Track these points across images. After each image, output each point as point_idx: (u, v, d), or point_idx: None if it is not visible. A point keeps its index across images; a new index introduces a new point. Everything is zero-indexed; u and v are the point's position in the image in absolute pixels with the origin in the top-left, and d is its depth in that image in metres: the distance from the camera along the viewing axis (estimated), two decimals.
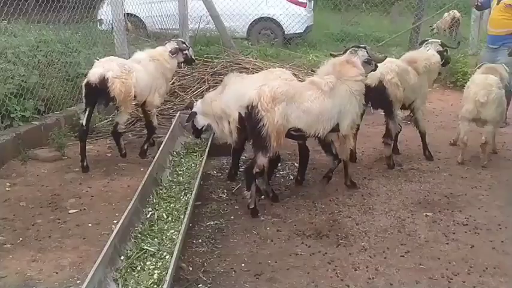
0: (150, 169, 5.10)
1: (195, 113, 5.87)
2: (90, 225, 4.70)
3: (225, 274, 3.96)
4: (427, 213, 5.01)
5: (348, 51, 5.30)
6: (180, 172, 5.68)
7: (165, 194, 5.10)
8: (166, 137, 6.03)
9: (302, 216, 4.94)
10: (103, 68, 5.71)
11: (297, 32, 13.59)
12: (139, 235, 4.23)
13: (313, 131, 4.93)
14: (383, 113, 6.24)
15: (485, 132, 6.07)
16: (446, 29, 14.40)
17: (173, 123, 6.43)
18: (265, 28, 13.66)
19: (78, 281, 3.81)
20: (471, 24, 12.02)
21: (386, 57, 5.64)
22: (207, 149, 5.97)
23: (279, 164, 5.73)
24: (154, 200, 4.91)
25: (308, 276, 3.95)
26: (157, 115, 6.93)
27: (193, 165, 5.87)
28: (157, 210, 4.73)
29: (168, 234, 4.31)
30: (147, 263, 3.87)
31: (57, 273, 3.94)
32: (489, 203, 5.27)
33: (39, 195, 5.30)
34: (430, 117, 7.98)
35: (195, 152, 6.19)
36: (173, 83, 7.81)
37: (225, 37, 10.85)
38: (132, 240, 4.14)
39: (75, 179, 5.69)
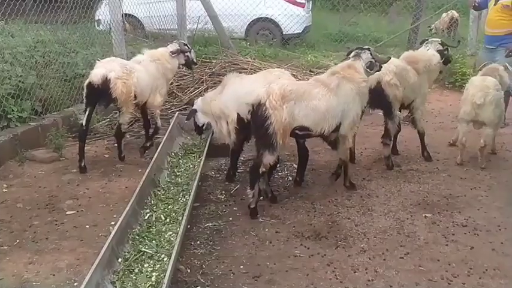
0: (148, 170, 5.07)
1: (195, 111, 5.85)
2: (87, 226, 4.67)
3: (223, 276, 3.94)
4: (427, 215, 4.99)
5: (352, 53, 5.29)
6: (178, 173, 5.66)
7: (163, 195, 5.07)
8: (164, 138, 6.01)
9: (301, 217, 4.91)
10: (105, 68, 5.70)
11: (295, 32, 13.57)
12: (137, 237, 4.19)
13: (320, 129, 4.92)
14: (381, 114, 6.21)
15: (484, 134, 6.05)
16: (444, 30, 14.41)
17: (171, 124, 6.40)
18: (263, 28, 13.65)
19: (75, 284, 3.79)
20: (469, 24, 12.01)
21: (390, 58, 5.63)
22: (205, 150, 5.95)
23: (278, 165, 5.70)
24: (152, 202, 4.88)
25: (307, 278, 3.93)
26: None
27: (191, 166, 5.84)
28: (155, 211, 4.71)
29: (166, 236, 4.28)
30: (145, 265, 3.84)
31: (54, 275, 3.91)
32: (488, 204, 5.25)
33: (36, 196, 5.28)
34: (429, 118, 7.97)
35: (193, 153, 6.17)
36: (171, 83, 7.78)
37: (223, 37, 10.83)
38: (130, 242, 4.11)
39: (72, 180, 5.67)
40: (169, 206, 4.84)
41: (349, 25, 16.50)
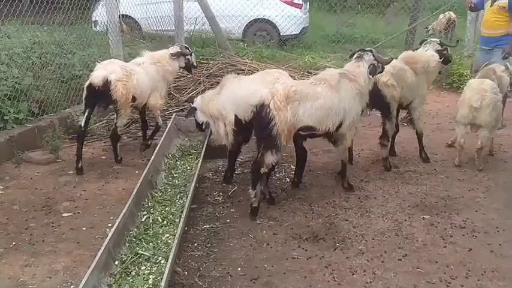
0: (145, 172, 5.06)
1: (195, 109, 5.84)
2: (84, 229, 4.65)
3: (221, 278, 3.92)
4: (424, 216, 4.98)
5: (355, 55, 5.30)
6: (175, 175, 5.64)
7: (160, 197, 5.06)
8: (161, 139, 6.00)
9: (299, 219, 4.90)
10: (105, 70, 5.71)
11: (292, 33, 13.56)
12: (134, 239, 4.18)
13: (324, 127, 4.92)
14: (379, 115, 6.20)
15: (481, 136, 6.05)
16: (441, 31, 14.38)
17: (168, 125, 6.39)
18: (260, 29, 13.62)
19: (71, 286, 3.76)
20: (467, 25, 12.03)
21: (392, 59, 5.64)
22: (203, 152, 5.93)
23: (275, 167, 5.68)
24: (150, 204, 4.87)
25: (305, 280, 3.91)
26: (152, 117, 6.92)
27: (188, 167, 5.83)
28: (152, 213, 4.69)
29: (163, 238, 4.26)
30: (142, 268, 3.82)
31: (50, 278, 3.89)
32: (486, 206, 5.24)
33: (33, 198, 5.25)
34: (427, 119, 7.96)
35: (191, 155, 6.16)
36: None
37: (221, 38, 10.82)
38: (127, 244, 4.10)
39: (69, 182, 5.64)
40: (167, 208, 4.83)
41: (347, 26, 16.49)
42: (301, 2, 13.98)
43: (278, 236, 4.57)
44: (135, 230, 4.34)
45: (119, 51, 8.29)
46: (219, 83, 6.06)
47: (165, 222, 4.56)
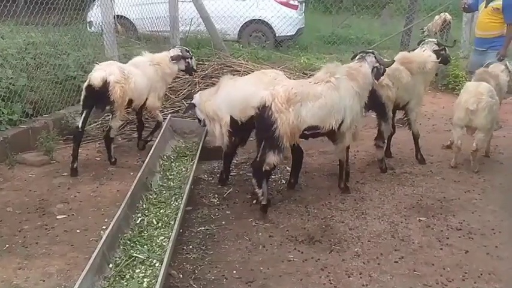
0: (139, 174, 5.03)
1: (194, 105, 5.84)
2: (78, 231, 4.61)
3: (216, 281, 3.90)
4: (421, 218, 4.96)
5: (357, 57, 5.30)
6: (170, 177, 5.60)
7: (155, 199, 5.02)
8: (156, 141, 5.97)
9: (294, 221, 4.87)
10: (104, 71, 5.73)
11: (288, 34, 13.54)
12: (128, 242, 4.14)
13: (328, 125, 4.93)
14: (375, 116, 6.18)
15: (476, 139, 6.05)
16: (437, 32, 14.39)
17: (163, 127, 6.36)
18: (256, 30, 13.61)
19: None
20: (462, 27, 12.03)
21: (394, 61, 5.65)
22: (198, 153, 5.90)
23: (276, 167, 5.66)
24: (144, 206, 4.83)
25: (301, 283, 3.89)
26: (147, 118, 6.97)
27: (183, 169, 5.79)
28: (147, 216, 4.66)
29: (158, 241, 4.22)
30: (137, 271, 3.79)
31: (44, 281, 3.85)
32: (483, 207, 5.23)
33: (27, 200, 5.21)
34: (422, 121, 7.93)
35: (186, 156, 6.12)
36: None
37: (216, 39, 10.79)
38: (121, 247, 4.06)
39: (63, 184, 5.60)
40: (161, 210, 4.79)
41: (342, 27, 16.50)
42: (296, 3, 13.96)
43: (274, 238, 4.54)
44: (130, 232, 4.30)
45: (114, 52, 8.28)
46: (214, 84, 6.04)
47: (159, 224, 4.52)
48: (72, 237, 4.50)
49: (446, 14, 14.44)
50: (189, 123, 6.75)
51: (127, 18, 11.79)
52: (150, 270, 3.79)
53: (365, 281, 3.92)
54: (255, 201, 5.15)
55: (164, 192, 5.20)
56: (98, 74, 5.71)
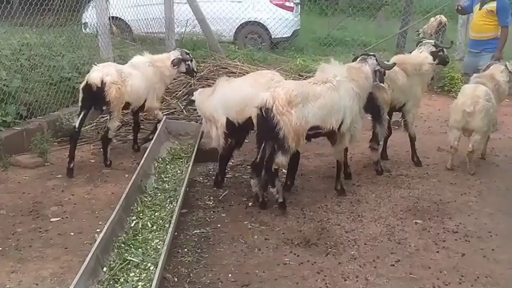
0: (134, 176, 5.00)
1: (194, 101, 5.85)
2: (72, 234, 4.57)
3: (211, 285, 3.86)
4: (417, 221, 4.94)
5: (358, 59, 5.30)
6: (165, 179, 5.56)
7: (149, 201, 4.98)
8: (151, 143, 5.94)
9: (290, 224, 4.84)
10: (102, 72, 5.76)
11: (284, 36, 13.54)
12: (122, 245, 4.10)
13: (329, 125, 4.95)
14: (370, 118, 6.17)
15: (472, 140, 6.05)
16: (432, 34, 14.41)
17: (159, 129, 6.32)
18: (252, 32, 13.60)
19: None
20: (458, 29, 12.02)
21: (395, 64, 5.64)
22: (193, 155, 5.87)
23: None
24: (139, 208, 4.79)
25: (297, 286, 3.87)
26: (142, 120, 6.95)
27: (179, 171, 5.75)
28: (141, 218, 4.61)
29: (152, 244, 4.18)
30: (131, 275, 3.75)
31: (37, 284, 3.81)
32: (479, 210, 5.22)
33: (20, 202, 5.17)
34: (418, 123, 7.90)
35: (181, 158, 6.08)
36: None
37: (212, 41, 10.77)
38: (115, 250, 4.02)
39: (57, 186, 5.56)
40: (156, 213, 4.75)
41: (338, 29, 16.50)
42: (292, 5, 13.96)
43: (269, 241, 4.52)
44: (124, 235, 4.25)
45: (109, 54, 8.26)
46: (209, 85, 6.03)
47: (154, 227, 4.48)
48: (66, 240, 4.46)
49: (442, 16, 14.48)
50: (184, 125, 6.73)
51: (122, 19, 11.77)
52: (145, 274, 3.75)
53: (361, 284, 3.90)
54: (251, 203, 5.14)
55: (159, 194, 5.16)
56: (96, 74, 5.74)
